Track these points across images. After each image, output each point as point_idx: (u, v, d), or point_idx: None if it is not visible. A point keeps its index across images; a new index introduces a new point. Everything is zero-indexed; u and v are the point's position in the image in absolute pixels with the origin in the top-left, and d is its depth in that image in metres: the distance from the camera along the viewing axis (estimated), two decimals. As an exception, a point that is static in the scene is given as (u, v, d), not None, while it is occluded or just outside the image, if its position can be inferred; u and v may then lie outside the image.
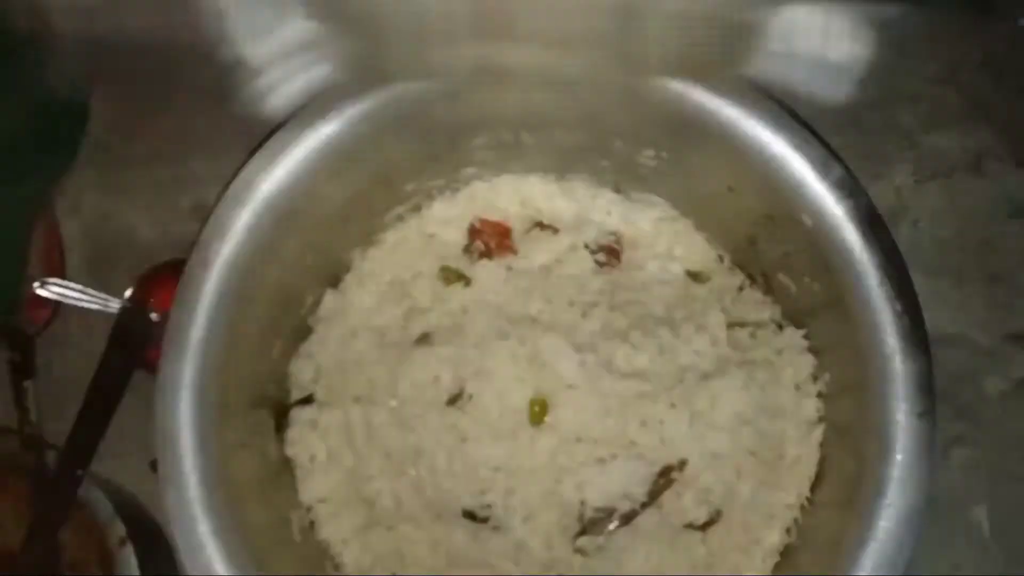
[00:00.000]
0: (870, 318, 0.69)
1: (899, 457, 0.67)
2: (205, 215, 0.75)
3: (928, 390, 0.67)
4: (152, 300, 1.00)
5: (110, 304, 0.97)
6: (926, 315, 0.70)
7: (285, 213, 0.77)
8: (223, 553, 0.68)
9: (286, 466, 0.85)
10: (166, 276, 1.01)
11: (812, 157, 0.72)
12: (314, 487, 0.85)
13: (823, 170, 0.71)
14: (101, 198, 1.08)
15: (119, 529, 0.83)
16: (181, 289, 0.72)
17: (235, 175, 0.75)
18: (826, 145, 0.72)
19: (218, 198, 0.75)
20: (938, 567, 0.89)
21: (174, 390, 0.70)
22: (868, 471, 0.68)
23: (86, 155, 1.07)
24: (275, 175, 0.74)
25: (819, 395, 0.81)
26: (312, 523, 0.85)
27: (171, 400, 0.70)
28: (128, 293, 0.99)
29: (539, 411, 0.80)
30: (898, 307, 0.69)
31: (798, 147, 0.72)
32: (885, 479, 0.66)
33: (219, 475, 0.71)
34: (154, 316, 0.97)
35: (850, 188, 0.71)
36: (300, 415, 0.87)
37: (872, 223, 0.70)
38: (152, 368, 0.97)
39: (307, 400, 0.88)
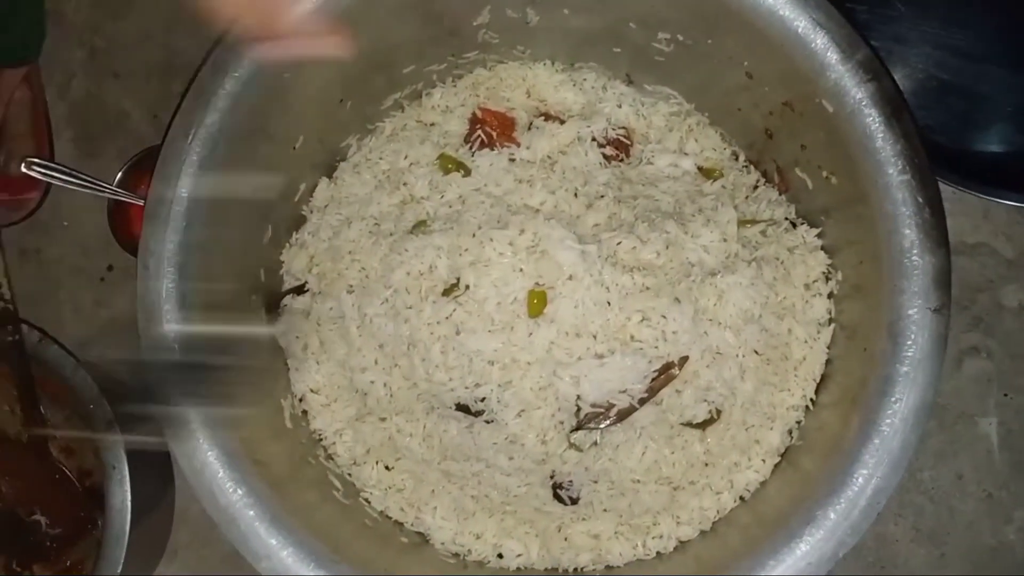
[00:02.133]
0: (890, 209, 0.65)
1: (910, 353, 0.63)
2: (188, 83, 0.71)
3: (945, 285, 0.64)
4: (142, 185, 0.98)
5: (100, 187, 0.94)
6: (949, 222, 0.66)
7: (273, 87, 0.73)
8: (211, 440, 0.66)
9: (278, 354, 0.83)
10: (156, 161, 0.98)
11: (837, 35, 0.67)
12: (306, 377, 0.83)
13: (848, 50, 0.67)
14: (90, 80, 1.04)
15: (106, 412, 0.81)
16: (162, 160, 0.69)
17: (218, 41, 0.71)
18: (852, 22, 0.67)
19: (202, 63, 0.70)
20: (942, 475, 0.87)
21: (157, 264, 0.67)
22: (877, 368, 0.65)
23: (75, 36, 1.03)
24: (262, 43, 0.70)
25: (830, 296, 0.77)
26: (304, 412, 0.83)
27: (154, 274, 0.67)
28: (118, 177, 0.96)
29: (537, 303, 0.77)
30: (919, 199, 0.65)
31: (822, 24, 0.67)
32: (894, 375, 0.64)
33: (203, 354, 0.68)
34: (140, 202, 0.95)
35: (875, 70, 0.66)
36: (293, 304, 0.84)
37: (896, 108, 0.66)
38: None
39: (299, 290, 0.86)
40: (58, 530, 0.92)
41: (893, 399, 0.63)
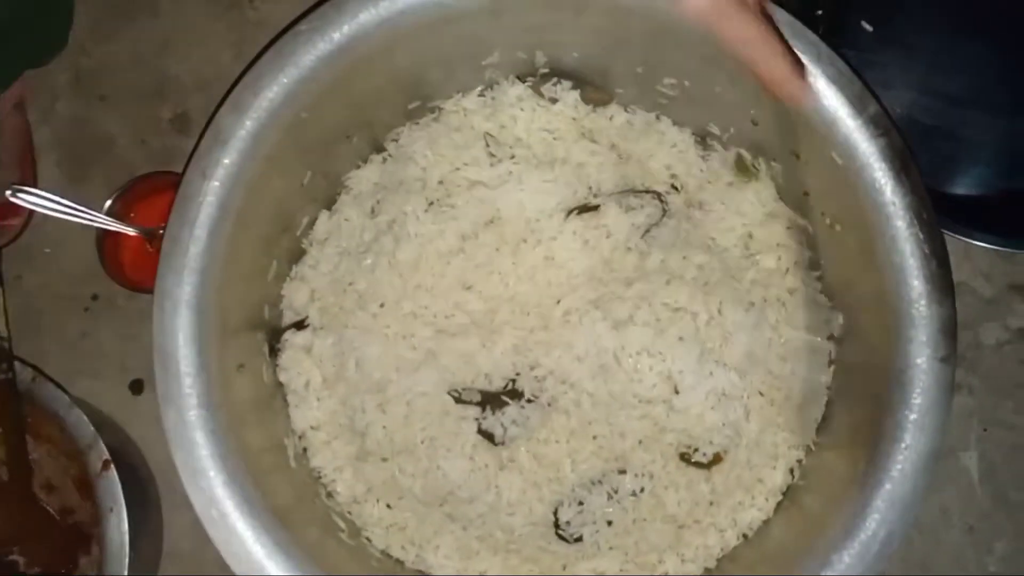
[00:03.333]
0: (897, 260, 0.68)
1: (918, 400, 0.66)
2: (206, 123, 0.70)
3: (951, 335, 0.66)
4: (132, 214, 0.96)
5: (87, 215, 0.92)
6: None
7: (289, 123, 0.72)
8: (224, 477, 0.65)
9: (279, 390, 0.82)
10: (147, 189, 0.96)
11: (848, 92, 0.69)
12: (307, 414, 0.82)
13: (859, 106, 0.69)
14: (76, 105, 1.01)
15: (101, 452, 0.79)
16: (179, 201, 0.68)
17: (238, 80, 0.70)
18: (861, 79, 0.69)
19: (219, 104, 0.69)
20: (928, 507, 0.90)
21: (174, 307, 0.66)
22: (886, 413, 0.67)
23: (61, 58, 1.01)
24: (281, 81, 0.69)
25: (830, 337, 0.79)
26: (305, 450, 0.82)
27: (170, 318, 0.66)
28: (107, 205, 0.93)
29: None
30: (926, 250, 0.67)
31: (834, 80, 0.69)
32: (903, 422, 0.66)
33: (219, 397, 0.67)
34: (131, 231, 0.93)
35: (884, 126, 0.69)
36: (294, 339, 0.83)
37: (904, 163, 0.68)
38: (130, 285, 0.94)
39: (300, 324, 0.85)
40: (36, 570, 0.90)
41: (904, 445, 0.65)
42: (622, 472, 0.77)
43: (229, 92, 0.70)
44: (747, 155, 0.82)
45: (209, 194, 0.67)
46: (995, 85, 0.95)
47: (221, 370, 0.69)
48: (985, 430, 0.92)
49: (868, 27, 0.96)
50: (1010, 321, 0.93)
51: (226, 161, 0.68)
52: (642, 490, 0.77)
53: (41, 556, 0.90)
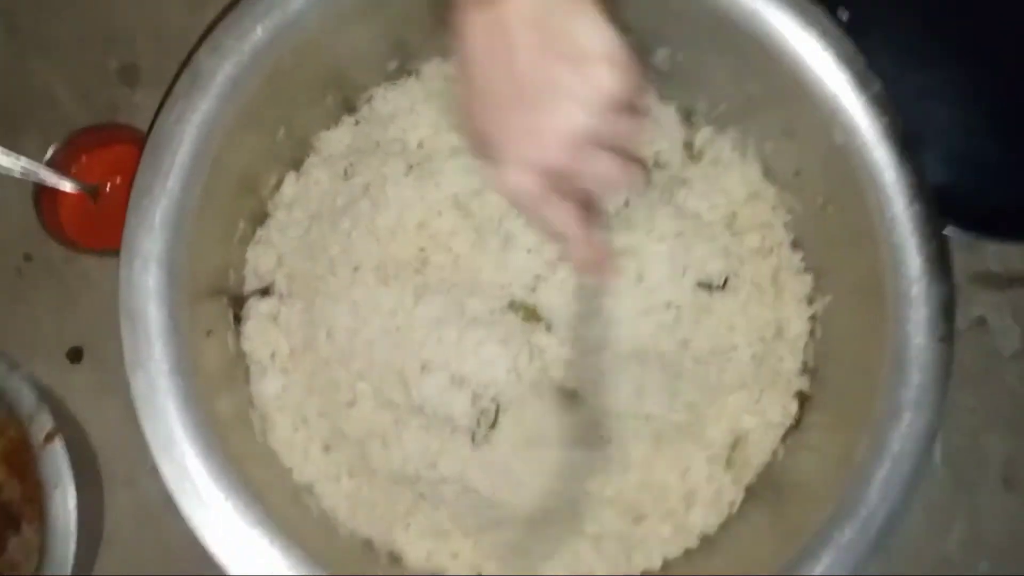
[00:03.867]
0: (897, 240, 0.68)
1: (917, 380, 0.66)
2: (180, 67, 0.63)
3: (950, 315, 0.67)
4: (73, 169, 0.88)
5: (23, 166, 0.83)
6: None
7: (270, 71, 0.67)
8: (198, 448, 0.60)
9: (242, 361, 0.77)
10: (90, 142, 0.88)
11: (852, 69, 0.68)
12: (270, 387, 0.77)
13: (862, 84, 0.68)
14: (13, 52, 0.92)
15: (44, 422, 0.72)
16: (150, 149, 0.62)
17: (218, 19, 0.64)
18: (865, 58, 0.69)
19: (197, 44, 0.63)
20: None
21: (144, 264, 0.60)
22: (882, 394, 0.67)
23: (-5, 1, 0.91)
24: (267, 24, 0.64)
25: (812, 318, 0.79)
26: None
27: (139, 275, 0.60)
28: (48, 156, 0.85)
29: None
30: (926, 231, 0.67)
31: (839, 56, 0.68)
32: (902, 402, 0.66)
33: (191, 363, 0.62)
34: (68, 187, 0.85)
35: (887, 106, 0.68)
36: (259, 307, 0.78)
37: (906, 144, 0.68)
38: (69, 245, 0.86)
39: (265, 291, 0.79)
40: (-45, 554, 0.81)
41: (903, 423, 0.65)
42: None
43: (205, 35, 0.64)
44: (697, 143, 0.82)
45: (185, 142, 0.61)
46: (960, 78, 0.96)
47: (192, 334, 0.63)
48: (946, 415, 0.93)
49: (844, 14, 0.97)
50: (970, 310, 0.95)
51: (204, 107, 0.62)
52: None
53: (-39, 538, 0.81)
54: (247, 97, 0.65)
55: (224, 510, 0.60)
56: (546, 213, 0.57)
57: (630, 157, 0.57)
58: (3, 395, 0.72)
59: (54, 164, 0.86)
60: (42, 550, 0.70)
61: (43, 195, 0.86)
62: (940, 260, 0.67)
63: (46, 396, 0.80)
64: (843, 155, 0.70)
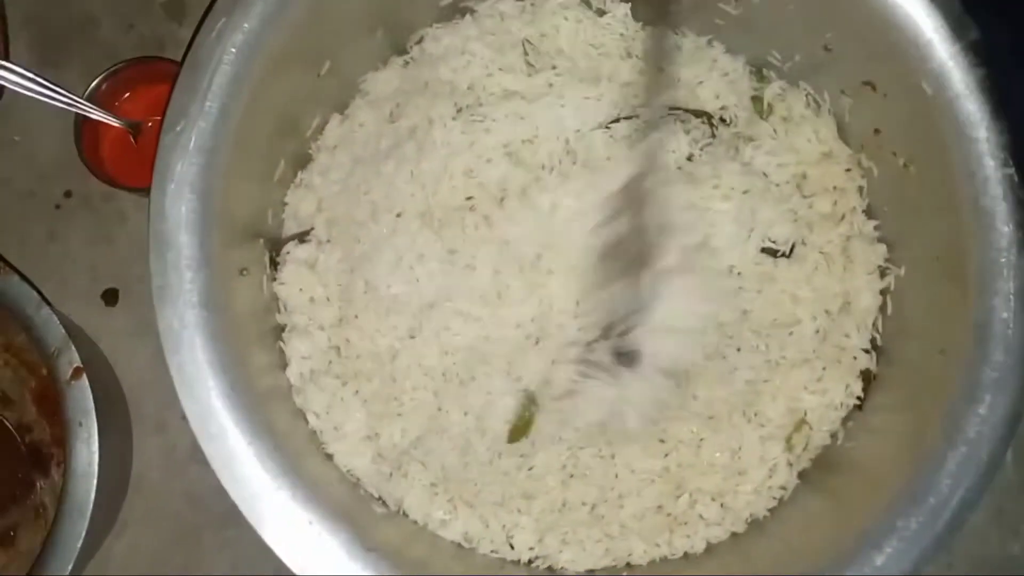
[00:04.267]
0: (987, 204, 0.62)
1: (1001, 358, 0.60)
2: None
3: (1044, 288, 0.60)
4: (116, 103, 0.85)
5: (66, 99, 0.81)
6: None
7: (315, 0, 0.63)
8: (224, 388, 0.56)
9: (275, 305, 0.73)
10: (135, 76, 0.85)
11: (947, 14, 0.62)
12: (303, 336, 0.73)
13: (958, 31, 0.62)
14: (57, -23, 0.90)
15: (72, 358, 0.70)
16: (188, 68, 0.58)
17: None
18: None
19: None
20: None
21: (177, 189, 0.57)
22: (961, 372, 0.61)
23: (42, -77, 0.89)
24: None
25: (883, 291, 0.73)
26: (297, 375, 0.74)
27: (172, 201, 0.57)
28: (90, 88, 0.83)
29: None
30: (1020, 195, 0.61)
31: None
32: (983, 380, 0.60)
33: (222, 299, 0.59)
34: (115, 122, 0.82)
35: (985, 55, 0.62)
36: (296, 252, 0.74)
37: (1002, 98, 0.62)
38: (109, 181, 0.84)
39: (303, 236, 0.76)
40: (-13, 492, 0.80)
41: (982, 406, 0.59)
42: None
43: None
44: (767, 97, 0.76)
45: (224, 62, 0.58)
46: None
47: (224, 269, 0.60)
48: (1022, 407, 0.87)
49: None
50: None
51: (246, 26, 0.58)
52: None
53: (-6, 476, 0.80)
54: (290, 21, 0.62)
55: (247, 456, 0.57)
56: None
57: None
58: (32, 331, 0.70)
59: (96, 98, 0.83)
60: (63, 487, 0.67)
61: (85, 129, 0.84)
62: (1034, 227, 0.61)
63: (77, 334, 0.78)
64: (930, 109, 0.64)
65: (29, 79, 0.80)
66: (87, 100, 0.82)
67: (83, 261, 0.87)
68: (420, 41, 0.79)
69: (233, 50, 0.58)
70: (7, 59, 0.85)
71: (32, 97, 0.80)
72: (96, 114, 0.82)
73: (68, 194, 0.88)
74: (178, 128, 0.58)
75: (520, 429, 0.71)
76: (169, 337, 0.56)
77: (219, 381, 0.56)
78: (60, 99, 0.81)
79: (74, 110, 0.81)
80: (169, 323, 0.57)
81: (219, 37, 0.58)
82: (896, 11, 0.64)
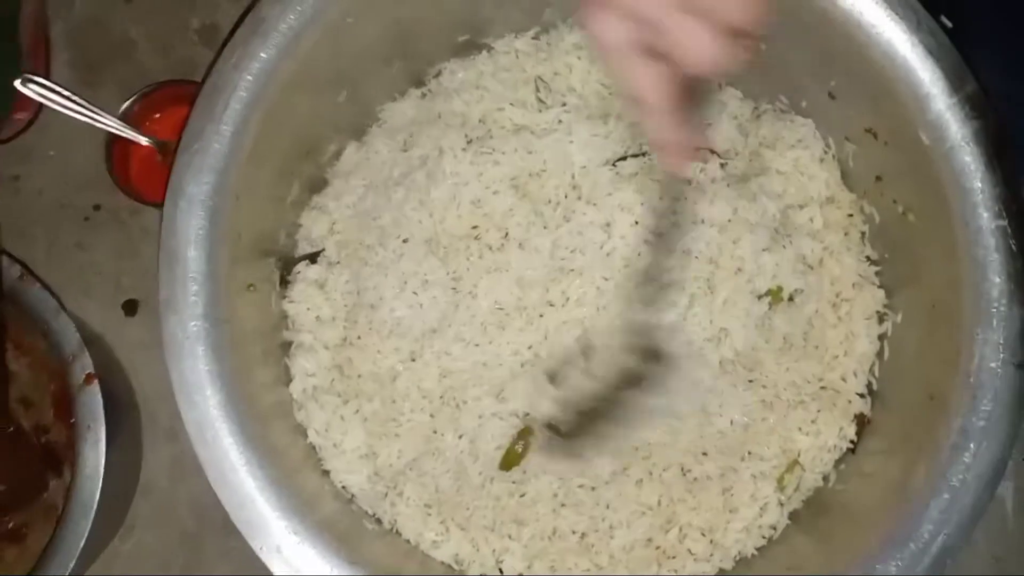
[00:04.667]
0: (980, 255, 0.62)
1: (988, 407, 0.60)
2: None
3: (1031, 339, 0.61)
4: (147, 123, 0.89)
5: (98, 117, 0.85)
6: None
7: (332, 25, 0.66)
8: (221, 398, 0.59)
9: (283, 324, 0.76)
10: (165, 98, 0.89)
11: (946, 66, 0.63)
12: (308, 354, 0.76)
13: (956, 83, 0.63)
14: (96, 3, 0.94)
15: (86, 364, 0.73)
16: (206, 92, 0.62)
17: (287, -28, 0.64)
18: (961, 54, 0.64)
19: (256, -1, 0.63)
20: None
21: (188, 206, 0.60)
22: (949, 418, 0.61)
23: (84, -47, 0.94)
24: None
25: (881, 337, 0.74)
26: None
27: (183, 216, 0.60)
28: (123, 108, 0.87)
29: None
30: (1013, 245, 0.61)
31: (932, 52, 0.64)
32: (970, 428, 0.60)
33: (225, 312, 0.61)
34: (144, 140, 0.86)
35: (981, 107, 0.63)
36: (307, 272, 0.77)
37: (999, 150, 0.63)
38: (135, 197, 0.87)
39: (314, 257, 0.79)
40: (2, 487, 0.83)
41: (967, 453, 0.60)
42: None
43: (273, -17, 0.64)
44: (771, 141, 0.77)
45: (240, 88, 0.61)
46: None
47: (230, 284, 0.63)
48: (1024, 461, 0.86)
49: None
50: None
51: (263, 55, 0.61)
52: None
53: (10, 473, 0.83)
54: (306, 52, 0.65)
55: (239, 463, 0.59)
56: (632, 71, 0.53)
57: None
58: (50, 337, 0.73)
59: (129, 117, 0.87)
60: (70, 488, 0.70)
61: (115, 146, 0.87)
62: (1025, 280, 0.61)
63: (95, 341, 0.81)
64: (928, 159, 0.65)
65: (66, 97, 0.84)
66: (120, 119, 0.86)
67: (107, 272, 0.90)
68: (438, 75, 0.82)
69: (249, 77, 0.62)
70: (48, 78, 0.90)
71: (68, 114, 0.84)
72: (125, 132, 0.86)
73: (97, 207, 0.91)
74: (192, 148, 0.61)
75: (513, 458, 0.73)
76: (172, 346, 0.59)
77: (217, 391, 0.59)
78: (93, 117, 0.85)
79: (106, 128, 0.85)
80: (173, 333, 0.59)
81: (236, 65, 0.61)
82: (896, 61, 0.65)
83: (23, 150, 0.92)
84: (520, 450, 0.72)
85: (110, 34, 0.95)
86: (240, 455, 0.59)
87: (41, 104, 0.86)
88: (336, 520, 0.67)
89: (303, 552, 0.60)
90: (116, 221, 0.91)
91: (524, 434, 0.73)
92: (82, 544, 0.69)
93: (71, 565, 0.69)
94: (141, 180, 0.89)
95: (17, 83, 0.83)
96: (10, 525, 0.82)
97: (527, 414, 0.73)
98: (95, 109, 0.85)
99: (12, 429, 0.82)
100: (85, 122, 0.85)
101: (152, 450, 0.86)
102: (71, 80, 0.93)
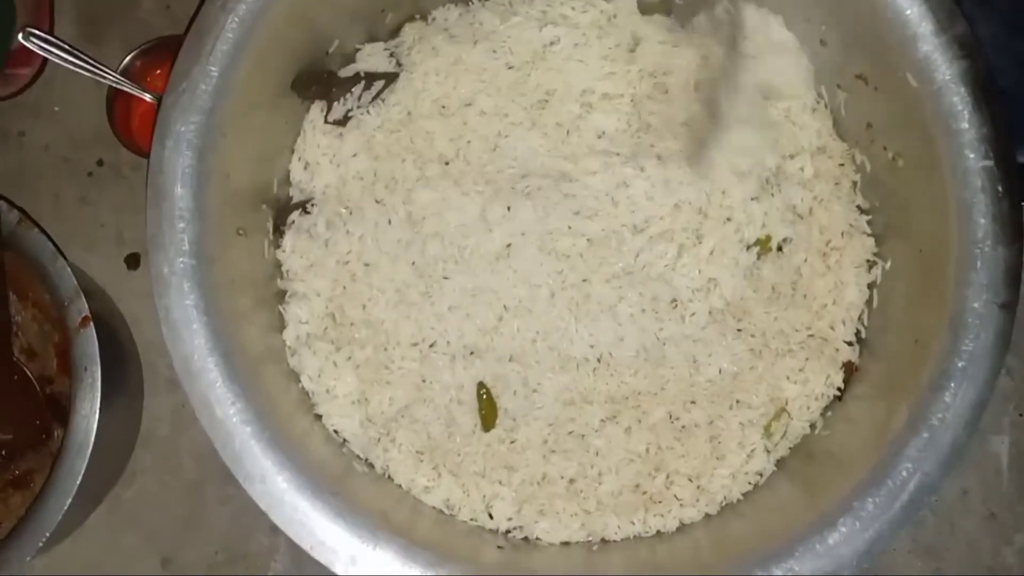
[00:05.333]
0: (966, 196, 0.62)
1: (970, 347, 0.60)
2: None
3: (1015, 281, 0.61)
4: (148, 78, 0.90)
5: (101, 71, 0.86)
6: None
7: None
8: (208, 332, 0.60)
9: (277, 272, 0.77)
10: (167, 54, 0.90)
11: (934, 6, 0.63)
12: (301, 303, 0.76)
13: (945, 22, 0.63)
14: (100, -42, 0.96)
15: (82, 307, 0.74)
16: (193, 34, 0.62)
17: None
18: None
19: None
20: (946, 489, 0.84)
21: (175, 144, 0.61)
22: (931, 360, 0.61)
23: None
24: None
25: (870, 285, 0.74)
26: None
27: (170, 155, 0.61)
28: (124, 63, 0.88)
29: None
30: (999, 188, 0.61)
31: (920, -9, 0.63)
32: (950, 369, 0.60)
33: (214, 251, 0.62)
34: (146, 96, 0.87)
35: (970, 47, 0.62)
36: (300, 221, 0.78)
37: (987, 90, 0.62)
38: (137, 151, 0.89)
39: (306, 206, 0.79)
40: (9, 436, 0.85)
41: (947, 393, 0.60)
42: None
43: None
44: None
45: (227, 30, 0.62)
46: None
47: (219, 224, 0.64)
48: (1021, 415, 0.86)
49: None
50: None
51: (249, -3, 0.62)
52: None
53: (15, 422, 0.85)
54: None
55: (224, 395, 0.60)
56: None
57: None
58: (46, 281, 0.75)
59: (130, 72, 0.88)
60: (66, 428, 0.72)
61: (117, 102, 0.89)
62: (1011, 222, 0.61)
63: (95, 290, 0.83)
64: (916, 101, 0.64)
65: (67, 51, 0.85)
66: (121, 74, 0.87)
67: (110, 226, 0.92)
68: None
69: (236, 19, 0.62)
70: (51, 34, 0.91)
71: (70, 69, 0.85)
72: (126, 87, 0.87)
73: (100, 163, 0.93)
74: (180, 88, 0.62)
75: (490, 416, 0.74)
76: (159, 282, 0.60)
77: (204, 326, 0.60)
78: (94, 71, 0.86)
79: (107, 82, 0.87)
80: (159, 269, 0.60)
81: (223, 6, 0.62)
82: (885, 2, 0.64)
83: (28, 106, 0.93)
84: (486, 410, 0.73)
85: (112, -12, 0.96)
86: (227, 389, 0.60)
87: (45, 60, 0.88)
88: (327, 462, 0.68)
89: (288, 485, 0.61)
90: (119, 176, 0.93)
91: (480, 388, 0.74)
92: (78, 482, 0.70)
93: (67, 503, 0.71)
94: (143, 134, 0.90)
95: (20, 37, 0.85)
96: (16, 472, 0.84)
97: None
98: (96, 63, 0.86)
99: (16, 378, 0.84)
100: (88, 77, 0.86)
101: (153, 400, 0.88)
102: (75, 36, 0.94)
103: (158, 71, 0.90)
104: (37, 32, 0.85)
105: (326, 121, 0.74)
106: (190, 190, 0.61)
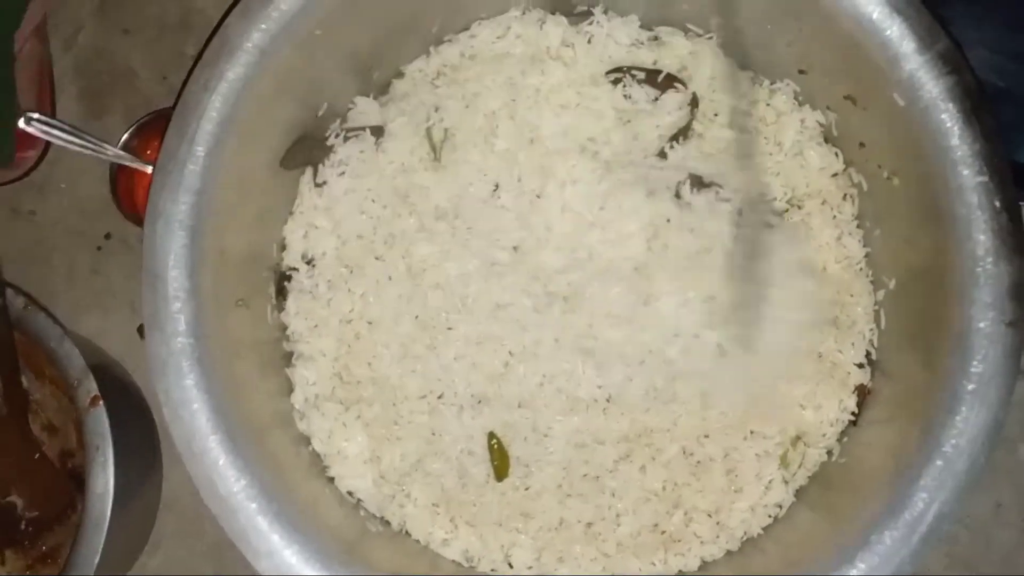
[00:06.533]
0: (963, 213, 0.61)
1: (979, 369, 0.59)
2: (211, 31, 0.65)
3: (1021, 296, 0.59)
4: (148, 151, 0.92)
5: (102, 149, 0.88)
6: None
7: (303, 43, 0.67)
8: (209, 410, 0.60)
9: (283, 335, 0.78)
10: (164, 125, 0.92)
11: (915, 23, 0.62)
12: (308, 365, 0.77)
13: (927, 39, 0.62)
14: (99, 36, 0.98)
15: (90, 387, 0.75)
16: (178, 115, 0.63)
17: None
18: (931, 10, 0.62)
19: (227, 12, 0.65)
20: (980, 502, 0.82)
21: (166, 226, 0.62)
22: (940, 383, 0.60)
23: (87, -17, 0.98)
24: (295, -3, 0.64)
25: (876, 305, 0.72)
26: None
27: (162, 238, 0.62)
28: (123, 139, 0.90)
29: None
30: (996, 203, 0.60)
31: (899, 10, 0.62)
32: (960, 392, 0.59)
33: (211, 327, 0.63)
34: (146, 168, 0.89)
35: (955, 63, 0.61)
36: (302, 281, 0.78)
37: (975, 105, 0.61)
38: (142, 223, 0.90)
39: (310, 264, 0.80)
40: (35, 513, 0.86)
41: (959, 418, 0.58)
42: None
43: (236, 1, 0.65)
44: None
45: (211, 109, 0.62)
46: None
47: (216, 300, 0.64)
48: (1049, 423, 0.83)
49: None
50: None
51: (231, 74, 0.63)
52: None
53: (40, 499, 0.86)
54: (278, 65, 0.66)
55: (228, 472, 0.60)
56: None
57: None
58: (56, 363, 0.76)
59: (131, 146, 0.90)
60: (83, 507, 0.73)
61: (120, 176, 0.91)
62: (1011, 236, 0.60)
63: (112, 364, 0.84)
64: (905, 120, 0.63)
65: (68, 132, 0.87)
66: (123, 148, 0.89)
67: (122, 296, 0.93)
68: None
69: (219, 98, 0.63)
70: (54, 116, 0.93)
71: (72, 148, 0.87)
72: (127, 161, 0.88)
73: (108, 236, 0.95)
74: (167, 169, 0.63)
75: (502, 466, 0.73)
76: (156, 364, 0.61)
77: (204, 404, 0.60)
78: (95, 149, 0.87)
79: (109, 159, 0.88)
80: (156, 350, 0.61)
81: (206, 85, 0.63)
82: (864, 23, 0.64)
83: (36, 185, 0.95)
84: (498, 460, 0.73)
85: (114, 65, 0.98)
86: (230, 466, 0.60)
87: (48, 142, 0.90)
88: (341, 526, 0.68)
89: (296, 559, 0.61)
90: (127, 247, 0.94)
91: (491, 439, 0.74)
92: (96, 560, 0.71)
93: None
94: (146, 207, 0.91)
95: (21, 122, 0.87)
96: (44, 549, 0.85)
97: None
98: (96, 141, 0.87)
99: (38, 456, 0.85)
100: (91, 155, 0.88)
101: (173, 467, 0.89)
102: (79, 112, 0.97)
103: (156, 143, 0.92)
104: (38, 116, 0.87)
105: (316, 184, 0.74)
106: (184, 270, 0.62)
